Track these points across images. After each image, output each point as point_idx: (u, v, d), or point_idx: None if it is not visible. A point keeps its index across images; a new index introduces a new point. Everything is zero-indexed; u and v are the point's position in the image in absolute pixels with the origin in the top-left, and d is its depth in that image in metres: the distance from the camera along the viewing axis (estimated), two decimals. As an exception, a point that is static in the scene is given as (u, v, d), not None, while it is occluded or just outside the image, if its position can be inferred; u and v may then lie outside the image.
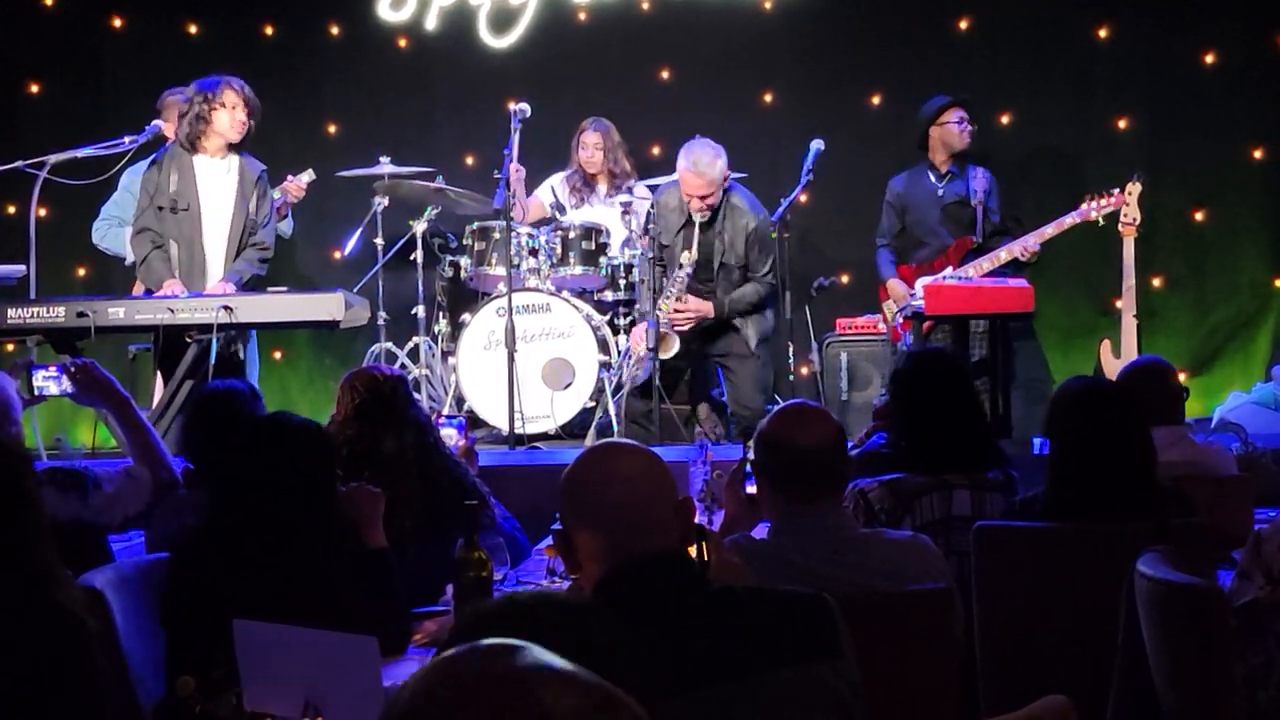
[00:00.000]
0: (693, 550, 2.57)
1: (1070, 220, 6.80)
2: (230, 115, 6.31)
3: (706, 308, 6.70)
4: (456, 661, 1.14)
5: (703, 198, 6.69)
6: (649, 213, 6.55)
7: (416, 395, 4.26)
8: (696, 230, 6.67)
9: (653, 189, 7.32)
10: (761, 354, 6.96)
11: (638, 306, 6.99)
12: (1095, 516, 3.47)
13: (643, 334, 6.66)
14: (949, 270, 6.82)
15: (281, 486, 3.09)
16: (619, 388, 6.85)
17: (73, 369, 4.04)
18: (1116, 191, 6.77)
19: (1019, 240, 6.82)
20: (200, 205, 6.36)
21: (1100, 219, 6.79)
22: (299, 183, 7.06)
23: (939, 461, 3.83)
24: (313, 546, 3.11)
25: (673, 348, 6.60)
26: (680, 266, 6.65)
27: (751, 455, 3.12)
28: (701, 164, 6.70)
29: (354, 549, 3.27)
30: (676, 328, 6.65)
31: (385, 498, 3.52)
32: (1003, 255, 6.80)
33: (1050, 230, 6.80)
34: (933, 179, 7.25)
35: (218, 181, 6.40)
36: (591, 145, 7.54)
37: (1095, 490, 3.49)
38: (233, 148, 6.40)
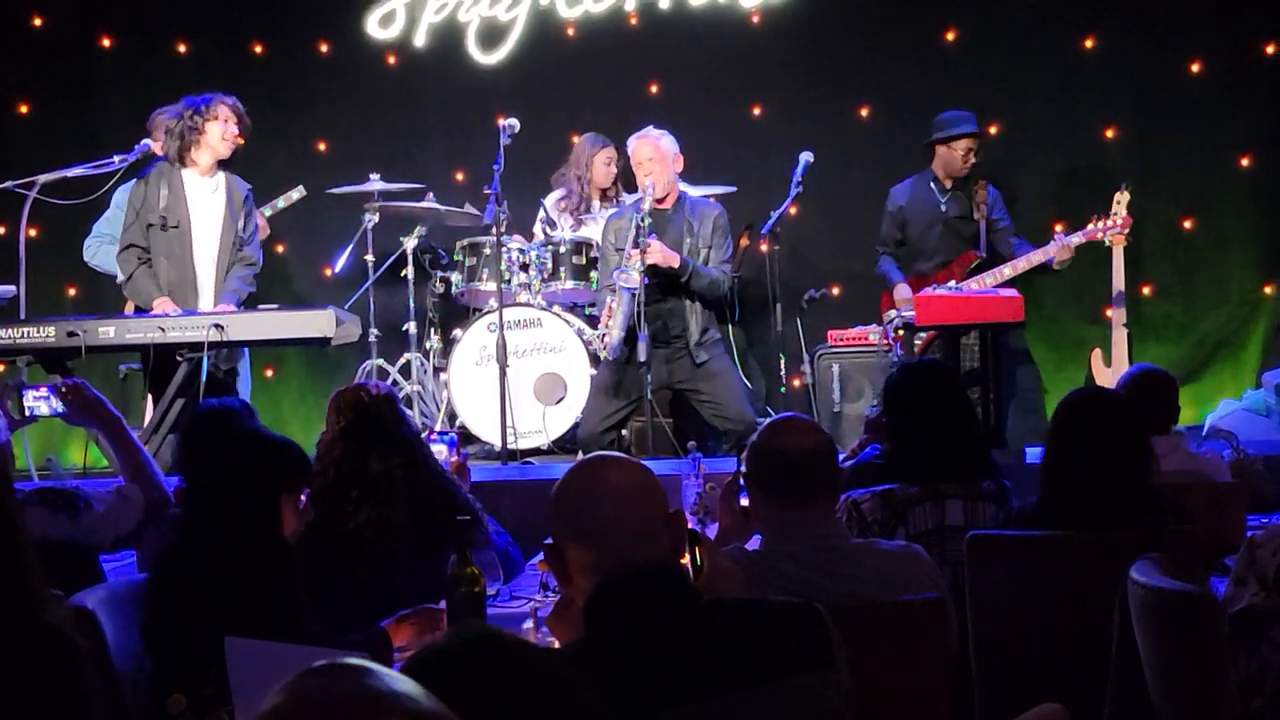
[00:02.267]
0: (686, 556, 2.57)
1: (1077, 240, 6.77)
2: (223, 128, 6.33)
3: (674, 257, 6.51)
4: (309, 678, 1.22)
5: (650, 160, 6.58)
6: (639, 227, 6.51)
7: (408, 411, 4.24)
8: (650, 218, 6.51)
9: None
10: (730, 363, 6.82)
11: (602, 288, 6.90)
12: (1093, 525, 3.47)
13: (610, 309, 6.60)
14: (952, 284, 6.81)
15: (249, 500, 3.08)
16: (597, 359, 6.82)
17: (63, 389, 4.03)
18: (1123, 215, 6.76)
19: (1041, 250, 6.77)
20: (190, 223, 6.36)
21: (1107, 239, 6.79)
22: (274, 207, 7.07)
23: (932, 472, 3.84)
24: (286, 564, 3.10)
25: (636, 281, 6.38)
26: (640, 213, 6.49)
27: (744, 467, 3.13)
28: (649, 132, 6.71)
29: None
30: (648, 258, 6.40)
31: (376, 518, 3.52)
32: (1006, 272, 6.76)
33: (1054, 251, 6.74)
34: (935, 192, 7.24)
35: (206, 199, 6.41)
36: (614, 161, 7.55)
37: (1093, 499, 3.50)
38: (221, 165, 6.41)
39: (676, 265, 6.48)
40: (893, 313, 7.10)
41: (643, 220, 6.43)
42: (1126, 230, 6.77)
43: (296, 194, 7.15)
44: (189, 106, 6.35)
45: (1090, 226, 6.80)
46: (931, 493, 3.80)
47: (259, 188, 6.70)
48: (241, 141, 6.43)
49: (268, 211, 7.07)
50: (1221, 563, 3.63)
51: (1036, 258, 6.78)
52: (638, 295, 6.33)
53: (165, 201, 6.33)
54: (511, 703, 1.42)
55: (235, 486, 3.11)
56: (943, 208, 7.21)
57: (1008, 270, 6.79)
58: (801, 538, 2.98)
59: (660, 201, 6.63)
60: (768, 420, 3.25)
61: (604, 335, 6.69)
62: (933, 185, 7.26)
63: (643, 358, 6.34)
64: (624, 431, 6.88)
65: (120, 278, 6.60)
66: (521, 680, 1.44)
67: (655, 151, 6.63)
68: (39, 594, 2.35)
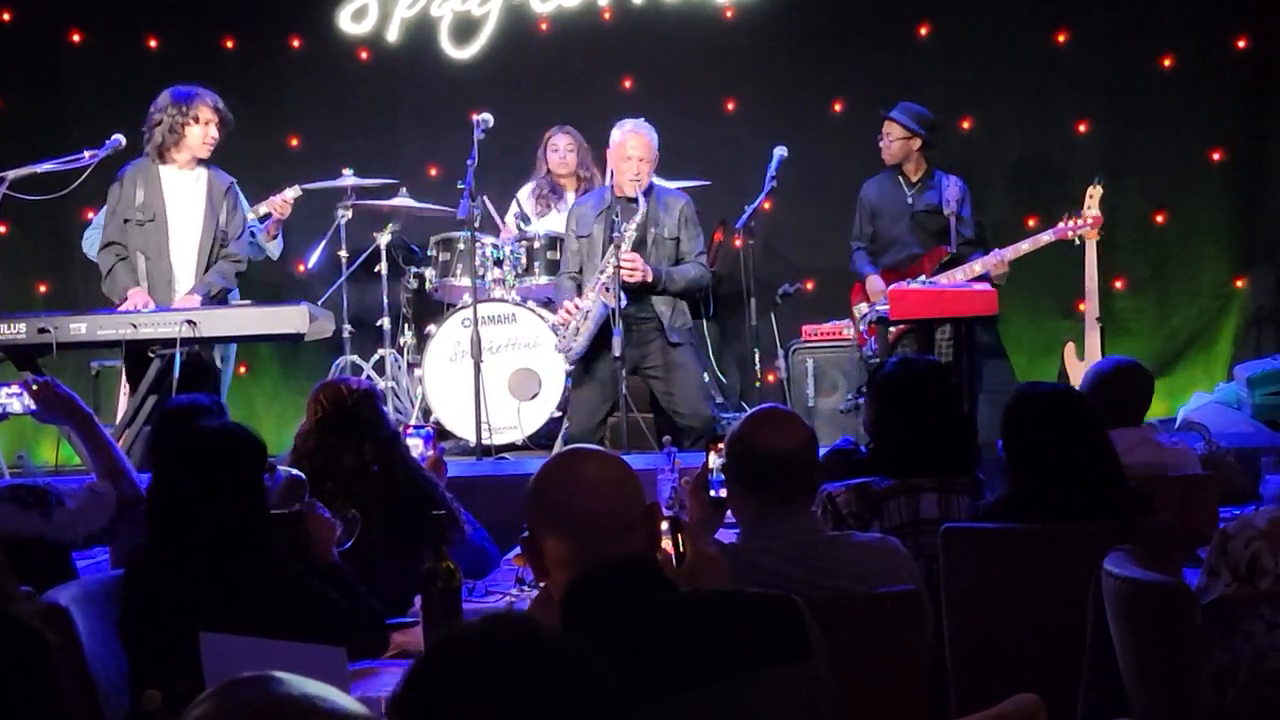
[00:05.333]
0: (667, 544, 2.56)
1: (1046, 238, 6.82)
2: (203, 130, 6.30)
3: (648, 272, 6.55)
4: (230, 689, 1.34)
5: (640, 160, 6.59)
6: (614, 220, 6.52)
7: (387, 410, 4.22)
8: (635, 217, 6.55)
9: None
10: (695, 357, 6.84)
11: (562, 274, 6.92)
12: (1061, 518, 3.48)
13: (572, 306, 6.65)
14: (922, 279, 6.83)
15: (218, 496, 3.07)
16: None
17: (34, 386, 4.01)
18: (1095, 214, 6.78)
19: (992, 255, 6.82)
20: (167, 216, 6.32)
21: (1077, 239, 6.82)
22: (285, 198, 7.03)
23: (916, 465, 3.84)
24: (269, 554, 3.09)
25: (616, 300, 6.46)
26: (623, 219, 6.53)
27: (722, 460, 3.12)
28: (641, 127, 6.70)
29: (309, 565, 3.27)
30: (624, 276, 6.45)
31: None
32: (976, 267, 6.81)
33: (1026, 246, 6.82)
34: (903, 186, 7.27)
35: (185, 193, 6.37)
36: (563, 147, 7.55)
37: (1055, 494, 3.51)
38: (201, 160, 6.38)
39: (650, 279, 6.56)
40: (864, 306, 7.13)
41: (622, 231, 6.45)
42: (1098, 227, 6.79)
43: (291, 193, 7.12)
44: (172, 102, 6.30)
45: (1061, 225, 6.83)
46: (906, 486, 3.81)
47: (234, 183, 6.65)
48: (219, 138, 6.39)
49: (263, 209, 7.05)
50: (1194, 554, 3.65)
51: (976, 267, 6.82)
52: (614, 309, 6.38)
53: (142, 198, 6.29)
54: (538, 684, 1.47)
55: (200, 480, 3.09)
56: (909, 200, 7.23)
57: (978, 266, 6.82)
58: (779, 533, 2.98)
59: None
60: (749, 412, 3.24)
61: (566, 337, 6.68)
62: (900, 179, 7.29)
63: (617, 352, 6.36)
64: (598, 425, 6.88)
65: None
66: (548, 662, 1.49)
67: (648, 151, 6.64)
68: (6, 590, 2.33)
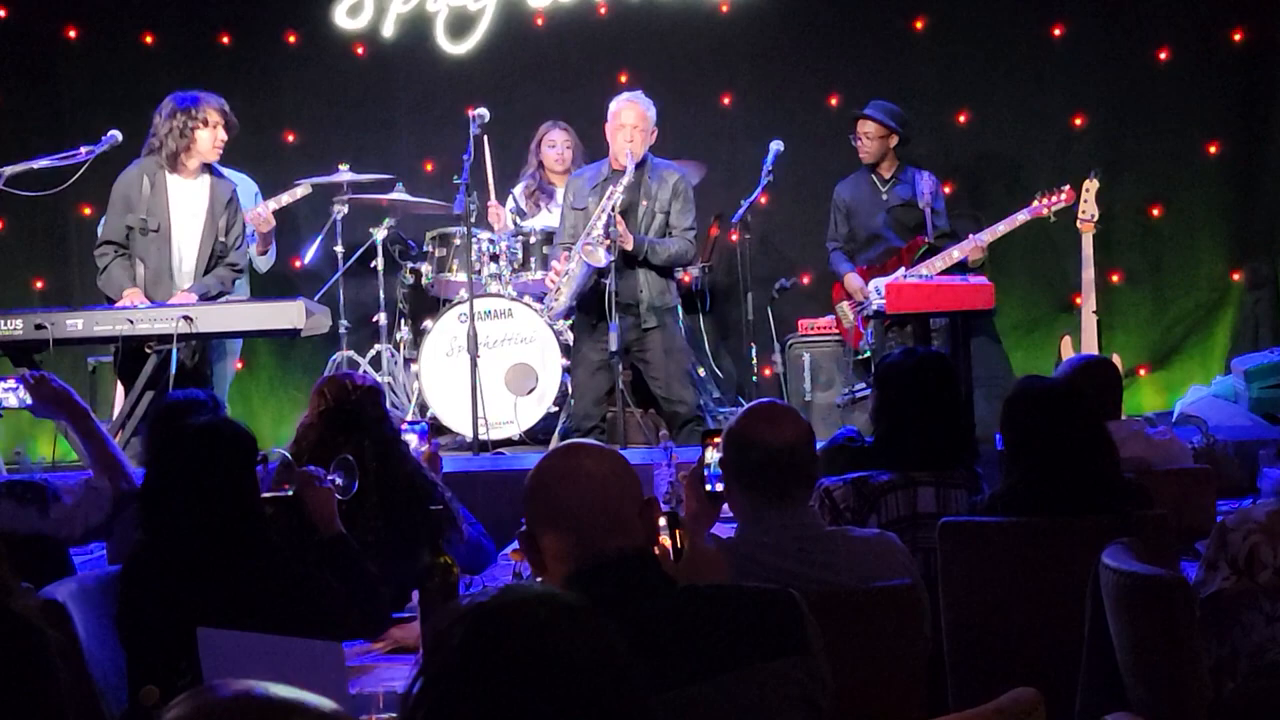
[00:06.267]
0: (665, 541, 2.56)
1: (1022, 217, 6.86)
2: (213, 134, 6.27)
3: (628, 239, 6.56)
4: (208, 691, 1.33)
5: (634, 128, 6.61)
6: (609, 216, 6.51)
7: (390, 409, 4.21)
8: (623, 179, 6.58)
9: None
10: (675, 340, 6.83)
11: (556, 245, 6.95)
12: (1059, 512, 3.48)
13: (561, 264, 6.68)
14: (903, 270, 6.85)
15: (208, 492, 3.08)
16: (569, 350, 6.87)
17: (30, 381, 4.00)
18: (1067, 188, 6.82)
19: (971, 239, 6.86)
20: (171, 227, 6.30)
21: (1051, 215, 6.84)
22: (280, 200, 7.02)
23: (921, 458, 3.84)
24: (263, 546, 3.10)
25: (602, 260, 6.48)
26: (613, 192, 6.56)
27: (719, 454, 3.12)
28: (636, 97, 6.74)
29: (313, 541, 3.29)
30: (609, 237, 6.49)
31: (340, 501, 3.51)
32: (955, 254, 6.85)
33: (1002, 228, 6.87)
34: (876, 183, 7.30)
35: (190, 201, 6.34)
36: (560, 143, 7.55)
37: (1054, 488, 3.51)
38: (206, 166, 6.36)
39: (630, 248, 6.55)
40: (846, 304, 7.15)
41: (615, 206, 6.45)
42: (1069, 205, 6.80)
43: (301, 190, 7.12)
44: (179, 108, 6.25)
45: (1035, 203, 6.85)
46: (904, 480, 3.81)
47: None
48: (228, 140, 6.38)
49: (272, 205, 7.05)
50: (1192, 547, 3.65)
51: (955, 254, 6.83)
52: (607, 281, 6.37)
53: (147, 205, 6.25)
54: (564, 655, 1.45)
55: (190, 476, 3.10)
56: (884, 197, 7.26)
57: (956, 252, 6.84)
58: (777, 528, 2.98)
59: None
60: (745, 407, 3.23)
61: (551, 295, 6.74)
62: (873, 177, 7.33)
63: (614, 347, 6.37)
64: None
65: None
66: (575, 632, 1.46)
67: (642, 120, 6.67)
68: (5, 584, 2.33)
